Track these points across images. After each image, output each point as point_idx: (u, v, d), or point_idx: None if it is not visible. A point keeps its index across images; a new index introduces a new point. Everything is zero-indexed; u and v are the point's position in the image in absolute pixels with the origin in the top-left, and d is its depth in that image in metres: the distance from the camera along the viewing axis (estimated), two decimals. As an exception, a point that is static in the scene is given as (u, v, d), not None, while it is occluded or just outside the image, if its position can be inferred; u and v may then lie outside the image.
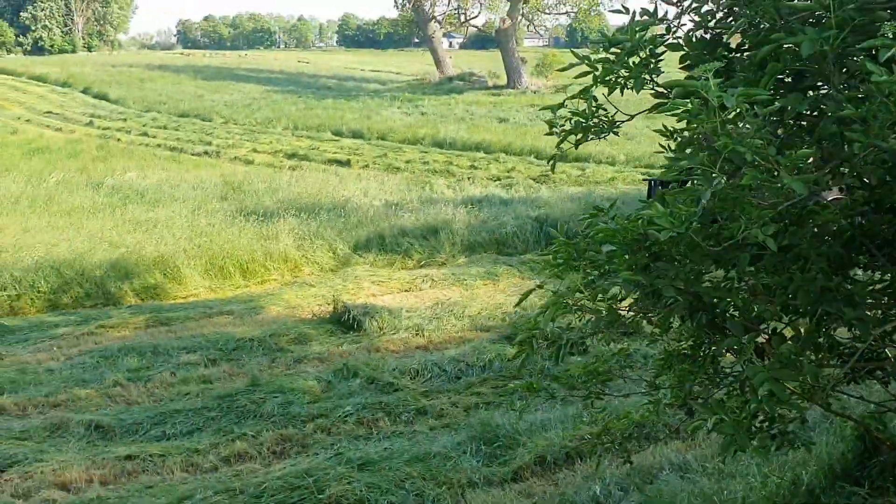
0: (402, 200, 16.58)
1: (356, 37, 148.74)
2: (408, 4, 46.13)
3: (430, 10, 45.72)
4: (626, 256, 2.58)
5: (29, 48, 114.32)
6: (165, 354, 8.15)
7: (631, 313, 2.81)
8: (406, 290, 10.88)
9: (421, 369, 7.27)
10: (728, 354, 2.91)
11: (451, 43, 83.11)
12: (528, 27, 49.86)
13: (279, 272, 12.01)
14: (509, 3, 43.07)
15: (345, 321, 9.05)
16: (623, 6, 2.63)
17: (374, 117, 31.55)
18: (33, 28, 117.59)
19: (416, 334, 8.73)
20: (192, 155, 25.53)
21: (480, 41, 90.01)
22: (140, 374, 7.54)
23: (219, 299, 10.83)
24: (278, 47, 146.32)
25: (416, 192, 17.84)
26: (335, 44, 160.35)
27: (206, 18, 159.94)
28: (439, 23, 46.49)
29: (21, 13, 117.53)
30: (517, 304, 3.26)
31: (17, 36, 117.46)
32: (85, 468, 5.37)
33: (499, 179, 20.70)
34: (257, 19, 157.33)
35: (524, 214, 14.37)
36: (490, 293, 10.16)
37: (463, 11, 46.79)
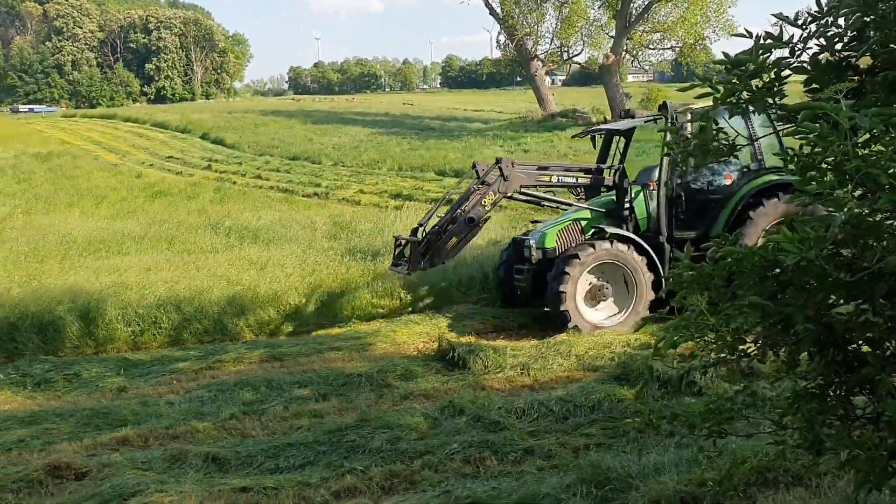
0: (505, 238, 16.54)
1: (459, 78, 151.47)
2: (510, 44, 46.56)
3: (533, 49, 45.99)
4: (754, 283, 2.47)
5: (152, 97, 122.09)
6: (279, 389, 8.34)
7: (755, 345, 2.69)
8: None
9: (527, 408, 7.15)
10: (861, 395, 2.74)
11: (553, 80, 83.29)
12: (632, 63, 49.44)
13: (385, 310, 12.18)
14: (612, 40, 42.89)
15: (449, 359, 9.05)
16: (746, 30, 2.56)
17: (477, 156, 31.72)
18: (157, 78, 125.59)
19: (522, 373, 8.62)
20: (303, 196, 26.41)
21: (583, 78, 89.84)
22: (254, 408, 7.73)
23: (328, 336, 11.06)
24: (384, 90, 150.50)
25: (519, 229, 17.78)
26: (438, 85, 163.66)
27: (315, 65, 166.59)
28: (542, 61, 46.68)
29: (146, 64, 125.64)
30: (638, 329, 3.16)
31: (142, 86, 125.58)
32: (201, 499, 5.51)
33: (604, 215, 20.38)
34: (364, 64, 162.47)
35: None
36: (598, 332, 9.96)
37: (565, 49, 46.86)
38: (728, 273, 2.62)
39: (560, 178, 11.08)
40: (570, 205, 11.33)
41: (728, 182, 10.72)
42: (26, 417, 7.72)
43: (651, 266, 10.20)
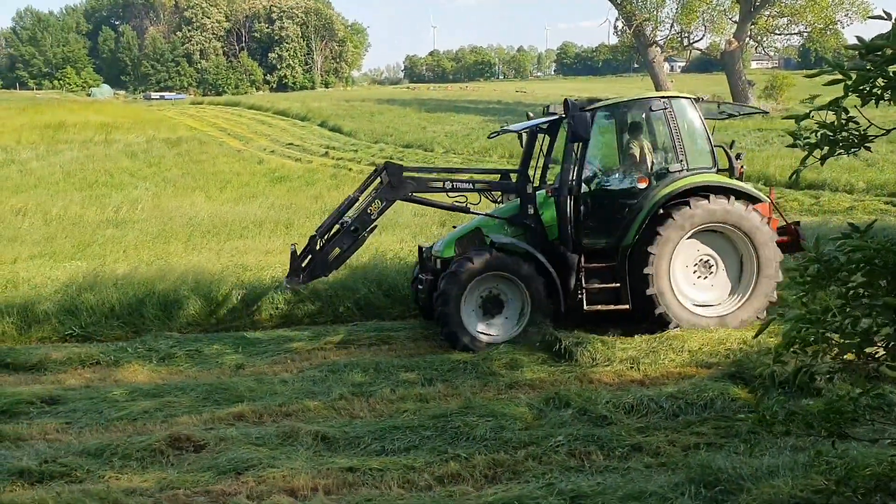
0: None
1: (574, 65, 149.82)
2: (628, 30, 45.53)
3: (651, 35, 44.83)
4: (886, 281, 2.31)
5: (274, 85, 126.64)
6: (386, 371, 8.49)
7: (884, 348, 2.52)
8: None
9: (636, 404, 6.99)
10: None
11: (672, 67, 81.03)
12: (756, 49, 47.48)
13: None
14: (736, 25, 41.25)
15: (556, 350, 8.95)
16: (884, 12, 2.36)
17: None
18: (279, 67, 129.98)
19: (631, 367, 8.43)
20: (415, 183, 26.65)
21: (704, 64, 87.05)
22: (363, 390, 7.89)
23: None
24: (498, 78, 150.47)
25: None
26: (553, 72, 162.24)
27: (430, 53, 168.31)
28: (661, 47, 45.46)
29: (269, 54, 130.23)
30: (756, 335, 3.03)
31: (264, 74, 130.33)
32: (311, 477, 5.68)
33: (722, 207, 19.73)
34: (479, 52, 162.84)
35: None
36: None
37: (686, 35, 45.42)
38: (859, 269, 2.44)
39: (455, 184, 10.15)
40: (467, 211, 10.33)
41: (643, 186, 9.66)
42: (151, 390, 8.15)
43: (546, 277, 9.35)
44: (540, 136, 10.64)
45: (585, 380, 8.10)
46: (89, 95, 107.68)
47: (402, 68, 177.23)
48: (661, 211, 9.35)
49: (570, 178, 9.64)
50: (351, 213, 10.12)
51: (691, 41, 46.01)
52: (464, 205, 10.28)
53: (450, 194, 10.25)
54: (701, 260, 9.68)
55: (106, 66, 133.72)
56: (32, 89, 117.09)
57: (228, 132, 46.85)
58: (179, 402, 7.69)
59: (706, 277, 9.72)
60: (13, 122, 46.61)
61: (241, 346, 10.04)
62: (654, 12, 44.37)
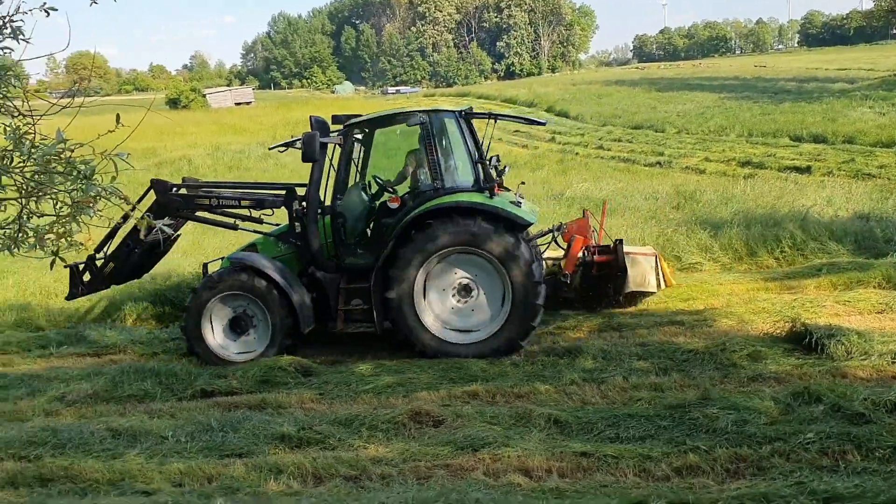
0: (875, 211, 14.81)
1: (820, 35, 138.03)
2: (886, -8, 41.11)
3: (916, -5, 40.19)
4: None
5: (502, 73, 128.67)
6: (617, 359, 8.37)
7: None
8: (878, 312, 9.68)
9: (899, 402, 6.35)
10: None
11: (940, 30, 72.26)
12: None
13: (730, 285, 11.57)
14: None
15: (803, 341, 8.34)
16: None
17: (840, 119, 28.84)
18: (506, 55, 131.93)
19: (892, 362, 7.67)
20: (644, 166, 26.09)
21: (981, 24, 76.48)
22: (594, 376, 7.84)
23: (668, 310, 10.79)
24: (734, 53, 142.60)
25: (892, 201, 15.78)
26: (796, 44, 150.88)
27: (661, 31, 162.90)
28: (927, 8, 40.59)
29: (497, 43, 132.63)
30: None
31: (492, 63, 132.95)
32: (545, 458, 5.74)
33: None
34: (713, 27, 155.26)
35: None
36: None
37: (960, -9, 40.18)
38: None
39: (221, 201, 9.72)
40: (235, 227, 9.89)
41: (394, 206, 9.30)
42: (393, 366, 8.67)
43: (284, 296, 9.08)
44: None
45: (838, 374, 7.49)
46: (333, 92, 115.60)
47: (631, 48, 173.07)
48: (410, 227, 8.98)
49: (318, 197, 9.34)
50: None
51: (967, -2, 40.59)
52: (234, 222, 9.89)
53: (249, 212, 9.92)
54: (460, 284, 9.08)
55: (348, 64, 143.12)
56: (284, 88, 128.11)
57: (458, 121, 48.18)
58: (419, 379, 8.10)
59: (465, 302, 9.12)
60: (269, 120, 51.22)
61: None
62: (920, -31, 39.68)
